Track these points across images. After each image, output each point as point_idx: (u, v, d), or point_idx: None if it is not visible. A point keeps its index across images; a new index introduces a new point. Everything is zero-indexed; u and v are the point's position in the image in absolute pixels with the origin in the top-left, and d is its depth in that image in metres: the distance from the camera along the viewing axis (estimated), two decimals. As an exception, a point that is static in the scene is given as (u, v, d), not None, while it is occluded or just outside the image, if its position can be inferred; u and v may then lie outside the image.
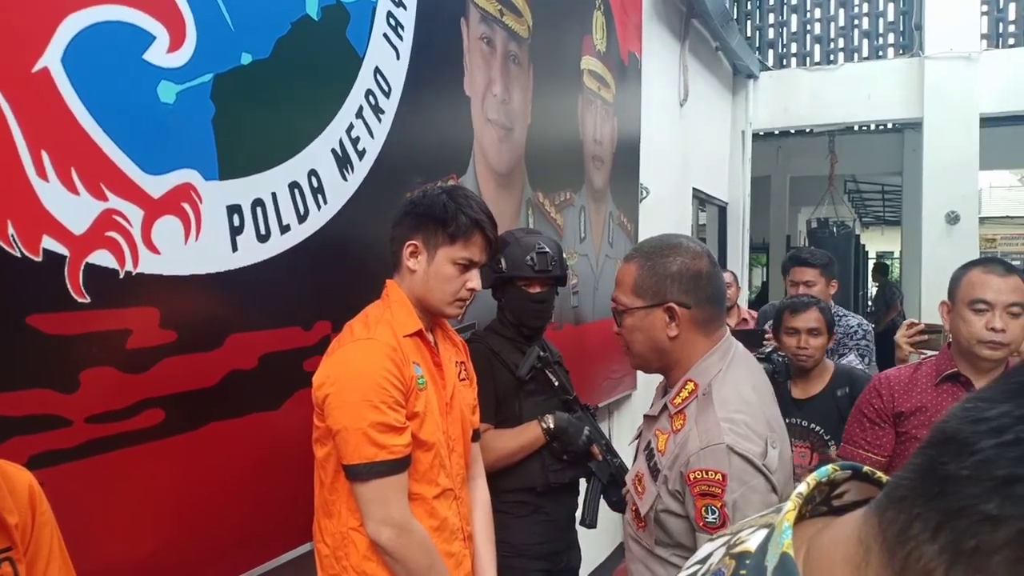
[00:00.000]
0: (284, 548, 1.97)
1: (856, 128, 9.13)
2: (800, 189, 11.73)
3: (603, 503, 2.46)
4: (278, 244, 1.92)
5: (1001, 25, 7.46)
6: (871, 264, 13.96)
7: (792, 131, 9.08)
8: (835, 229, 9.80)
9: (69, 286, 1.43)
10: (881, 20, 8.00)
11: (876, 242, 20.26)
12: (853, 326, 3.69)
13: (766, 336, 3.37)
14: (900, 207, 10.92)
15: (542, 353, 2.41)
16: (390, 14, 2.33)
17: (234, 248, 1.79)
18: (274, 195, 1.90)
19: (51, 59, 1.40)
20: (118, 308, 1.52)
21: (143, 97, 1.56)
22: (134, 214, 1.55)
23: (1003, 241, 18.94)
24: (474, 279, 1.87)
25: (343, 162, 2.14)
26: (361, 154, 2.22)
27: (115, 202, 1.51)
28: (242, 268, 1.81)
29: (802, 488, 0.56)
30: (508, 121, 3.15)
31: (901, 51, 7.80)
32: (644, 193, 5.04)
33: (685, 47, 5.98)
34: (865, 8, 8.06)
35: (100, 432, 1.49)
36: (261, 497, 1.89)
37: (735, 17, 7.68)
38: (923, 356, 2.83)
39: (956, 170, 7.22)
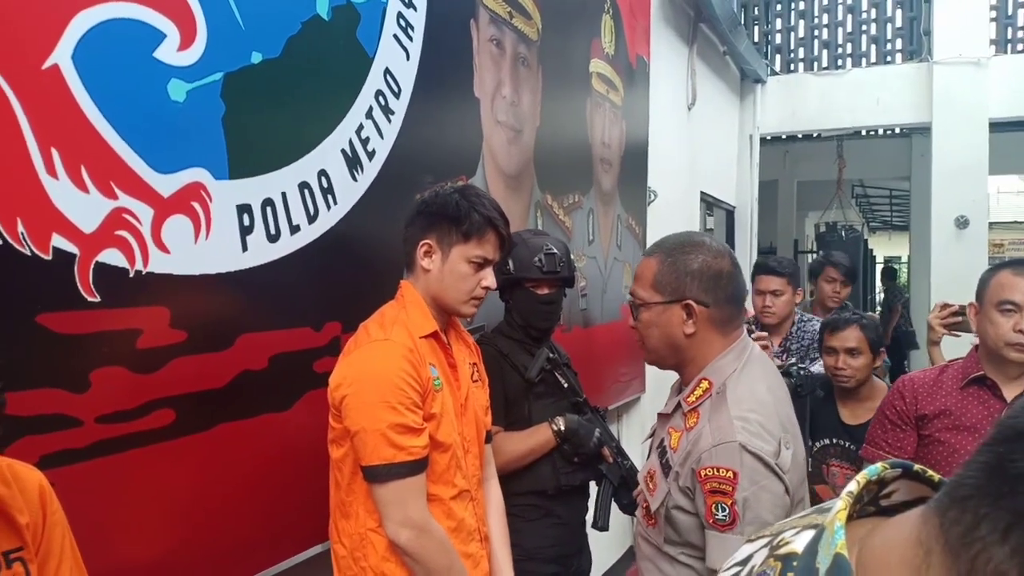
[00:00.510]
0: (296, 550, 1.96)
1: (864, 133, 9.11)
2: (808, 193, 11.69)
3: (614, 506, 2.45)
4: (288, 244, 1.91)
5: (1010, 31, 7.43)
6: (879, 268, 13.92)
7: (800, 135, 9.07)
8: (844, 233, 9.78)
9: (79, 285, 1.43)
10: (889, 25, 7.98)
11: (884, 247, 20.21)
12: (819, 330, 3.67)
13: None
14: (908, 212, 10.90)
15: (551, 355, 2.40)
16: (400, 15, 2.33)
17: (244, 248, 1.78)
18: (284, 195, 1.89)
19: (61, 56, 1.39)
20: (128, 307, 1.52)
21: (153, 95, 1.56)
22: (144, 213, 1.54)
23: (1011, 246, 18.88)
24: (488, 277, 1.87)
25: (353, 162, 2.13)
26: (371, 154, 2.21)
27: (125, 200, 1.50)
28: (252, 268, 1.80)
29: (852, 487, 0.54)
30: (517, 123, 3.14)
31: (910, 56, 7.78)
32: (652, 196, 5.03)
33: (693, 51, 5.97)
34: (873, 14, 8.04)
35: (110, 432, 1.48)
36: (272, 499, 1.88)
37: (743, 22, 7.66)
38: (956, 336, 2.80)
39: (965, 175, 7.19)
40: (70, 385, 1.42)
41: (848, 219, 10.45)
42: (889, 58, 7.96)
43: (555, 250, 2.34)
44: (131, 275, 1.52)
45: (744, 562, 0.62)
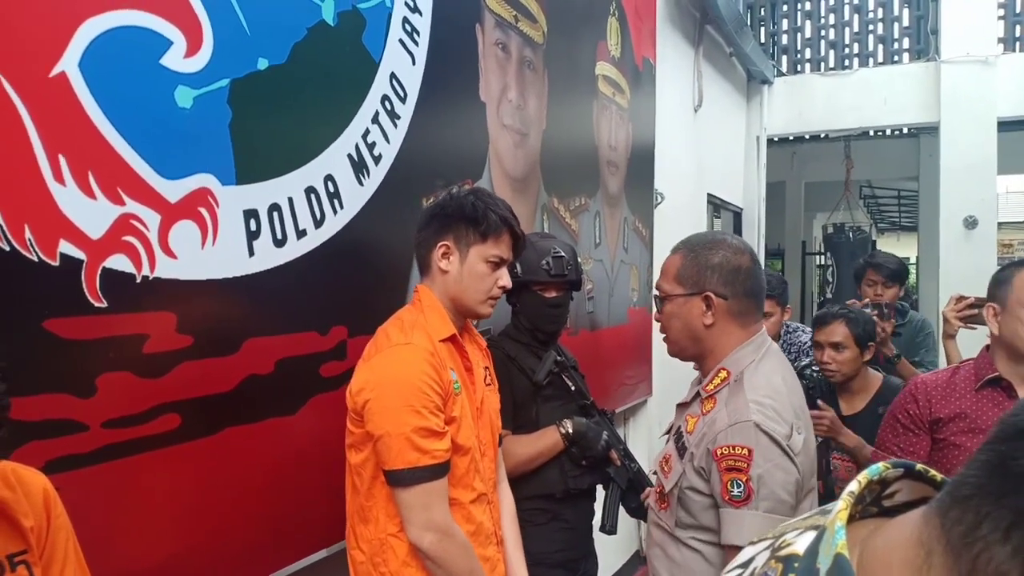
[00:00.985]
0: (301, 555, 1.96)
1: (871, 133, 9.08)
2: (815, 194, 11.67)
3: (621, 509, 2.44)
4: (295, 249, 1.91)
5: (1018, 28, 7.41)
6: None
7: (807, 136, 9.05)
8: (851, 234, 9.75)
9: (86, 290, 1.43)
10: (896, 25, 7.96)
11: (892, 247, 20.11)
12: (805, 341, 3.67)
13: None
14: (916, 212, 10.85)
15: (558, 358, 2.40)
16: (406, 20, 2.33)
17: (251, 253, 1.79)
18: (291, 200, 1.90)
19: (69, 63, 1.40)
20: (135, 313, 1.52)
21: (160, 102, 1.57)
22: (151, 218, 1.55)
23: (1020, 246, 18.81)
24: (504, 277, 1.90)
25: (359, 167, 2.14)
26: (377, 159, 2.22)
27: (132, 206, 1.51)
28: (259, 273, 1.81)
29: (853, 486, 0.54)
30: (523, 126, 3.15)
31: (917, 56, 7.76)
32: (659, 199, 5.03)
33: (699, 53, 5.97)
34: (880, 13, 8.02)
35: (117, 437, 1.49)
36: (278, 503, 1.88)
37: (749, 23, 7.65)
38: (972, 328, 2.78)
39: (973, 174, 7.16)
40: (76, 390, 1.42)
41: (856, 220, 10.43)
42: (896, 58, 7.94)
43: (563, 253, 2.34)
44: (138, 280, 1.52)
45: (746, 564, 0.62)
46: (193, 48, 1.63)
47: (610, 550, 3.98)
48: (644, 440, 4.86)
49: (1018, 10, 7.42)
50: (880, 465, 0.56)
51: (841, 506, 0.52)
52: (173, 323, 1.60)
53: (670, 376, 5.18)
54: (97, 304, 1.45)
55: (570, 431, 2.31)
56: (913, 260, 11.10)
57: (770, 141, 8.10)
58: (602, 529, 2.45)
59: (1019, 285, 2.07)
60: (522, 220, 3.07)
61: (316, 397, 1.99)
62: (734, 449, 1.54)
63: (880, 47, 7.99)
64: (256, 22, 1.79)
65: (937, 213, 7.46)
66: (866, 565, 0.50)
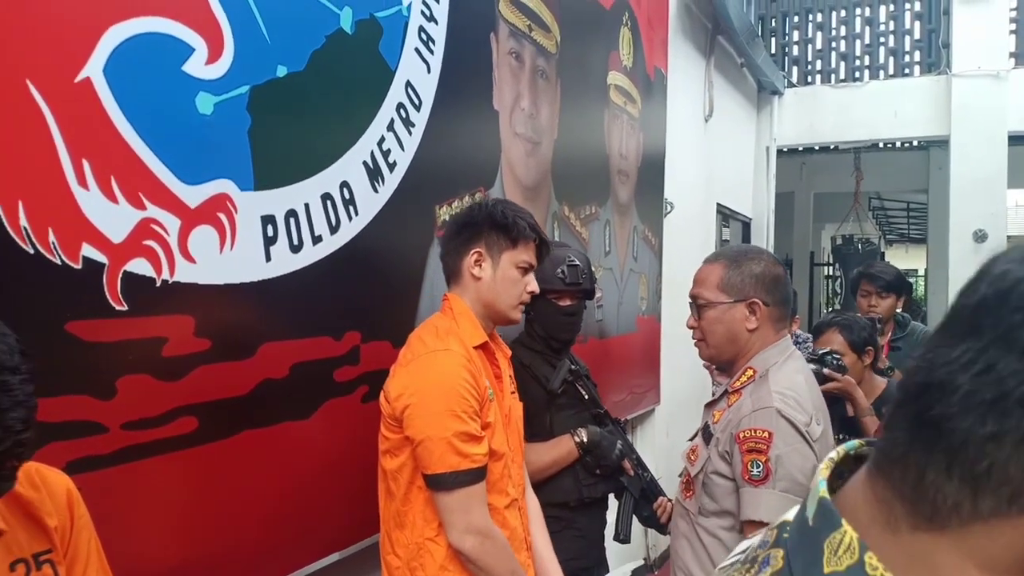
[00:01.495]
0: (312, 558, 1.97)
1: (881, 145, 9.08)
2: (824, 205, 11.66)
3: (634, 518, 2.45)
4: (310, 254, 1.93)
5: (1030, 43, 7.41)
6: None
7: (816, 148, 9.05)
8: (860, 246, 9.74)
9: (107, 294, 1.45)
10: (907, 38, 7.97)
11: (901, 260, 20.07)
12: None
13: None
14: (925, 225, 10.84)
15: (572, 366, 2.41)
16: (422, 29, 2.35)
17: (267, 258, 1.81)
18: (307, 206, 1.91)
19: (94, 69, 1.42)
20: (154, 316, 1.54)
21: (182, 108, 1.59)
22: (171, 223, 1.56)
23: (1030, 260, 18.67)
24: (533, 282, 1.95)
25: (374, 174, 2.16)
26: (392, 166, 2.23)
27: (153, 211, 1.53)
28: (275, 278, 1.83)
29: (833, 454, 0.58)
30: (535, 135, 3.16)
31: (928, 69, 7.76)
32: (669, 208, 5.04)
33: (711, 63, 5.98)
34: (891, 26, 8.03)
35: (135, 439, 1.50)
36: (291, 507, 1.89)
37: (760, 34, 7.67)
38: None
39: (984, 188, 7.15)
40: (97, 392, 1.44)
41: (865, 232, 10.41)
42: (907, 70, 7.95)
43: (577, 262, 2.36)
44: (158, 284, 1.54)
45: (744, 551, 0.64)
46: (214, 55, 1.66)
47: (621, 559, 3.98)
48: (651, 448, 4.86)
49: (1030, 25, 7.42)
50: (856, 442, 0.60)
51: (823, 467, 0.56)
52: (191, 327, 1.62)
53: (678, 385, 5.19)
54: (118, 307, 1.47)
55: (585, 440, 2.32)
56: (922, 272, 11.07)
57: (780, 152, 8.11)
58: (616, 538, 2.46)
59: None
60: (534, 228, 3.11)
61: (329, 402, 2.01)
62: (755, 432, 1.67)
63: (891, 59, 8.00)
64: (276, 29, 1.81)
65: (947, 226, 7.45)
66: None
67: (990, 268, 0.51)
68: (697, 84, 5.82)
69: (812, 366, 2.43)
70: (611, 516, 2.53)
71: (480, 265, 1.89)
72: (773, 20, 8.47)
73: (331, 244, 2.00)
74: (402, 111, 2.28)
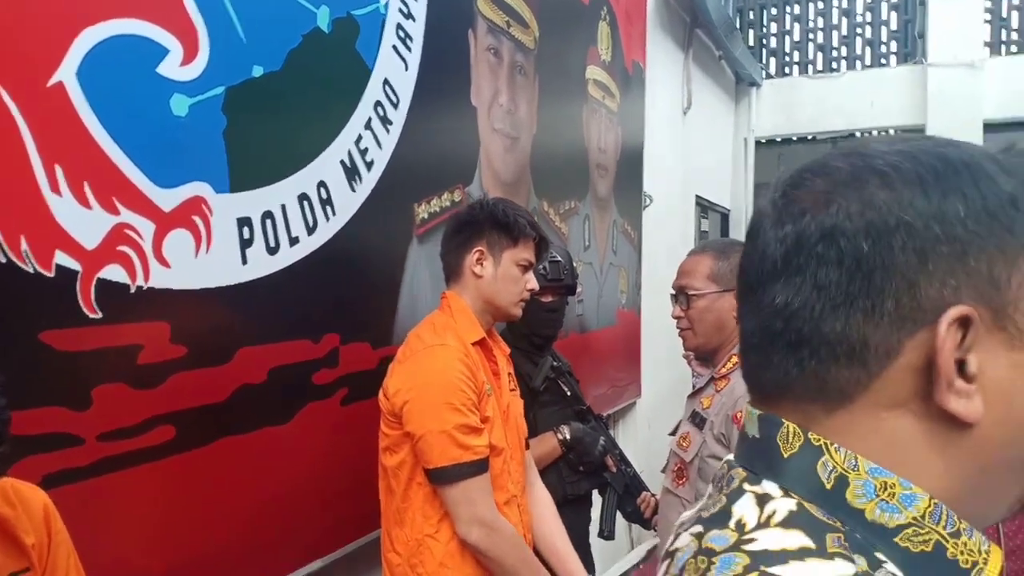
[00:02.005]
0: (295, 565, 1.95)
1: (858, 135, 9.12)
2: (801, 196, 11.71)
3: (618, 514, 2.46)
4: (287, 256, 1.91)
5: (1004, 32, 7.46)
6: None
7: (794, 138, 9.08)
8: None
9: (81, 302, 1.43)
10: (884, 28, 8.00)
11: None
12: None
13: None
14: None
15: (555, 363, 2.40)
16: (399, 26, 2.33)
17: (244, 261, 1.78)
18: (283, 207, 1.89)
19: (66, 73, 1.39)
20: (129, 323, 1.52)
21: (156, 110, 1.56)
22: (146, 228, 1.54)
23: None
24: (532, 280, 1.97)
25: (351, 173, 2.14)
26: (369, 165, 2.21)
27: (127, 216, 1.50)
28: (251, 281, 1.80)
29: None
30: (514, 130, 3.15)
31: (904, 59, 7.80)
32: (647, 201, 5.04)
33: (689, 56, 5.98)
34: (868, 17, 8.06)
35: (112, 450, 1.48)
36: (272, 514, 1.88)
37: (738, 26, 7.68)
38: None
39: (959, 177, 7.21)
40: (72, 403, 1.42)
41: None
42: (884, 61, 7.98)
43: (559, 258, 2.36)
44: (132, 290, 1.52)
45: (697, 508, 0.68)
46: (189, 56, 1.63)
47: (607, 556, 3.98)
48: (633, 443, 4.87)
49: (1004, 14, 7.47)
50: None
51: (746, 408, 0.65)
52: (167, 333, 1.60)
53: (659, 378, 5.21)
54: (92, 315, 1.44)
55: (568, 437, 2.33)
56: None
57: (757, 143, 8.13)
58: (600, 535, 2.46)
59: None
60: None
61: (309, 405, 1.99)
62: None
63: (868, 50, 8.03)
64: (252, 29, 1.78)
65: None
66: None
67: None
68: (675, 77, 5.81)
69: None
70: (595, 513, 2.53)
71: (482, 263, 1.90)
72: (751, 12, 8.47)
73: (308, 245, 1.98)
74: (380, 109, 2.25)
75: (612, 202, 4.36)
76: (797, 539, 0.51)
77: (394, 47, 2.31)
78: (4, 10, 1.31)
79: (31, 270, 1.34)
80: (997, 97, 7.14)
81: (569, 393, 2.43)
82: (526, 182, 3.29)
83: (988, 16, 7.42)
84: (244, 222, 1.78)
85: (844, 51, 8.11)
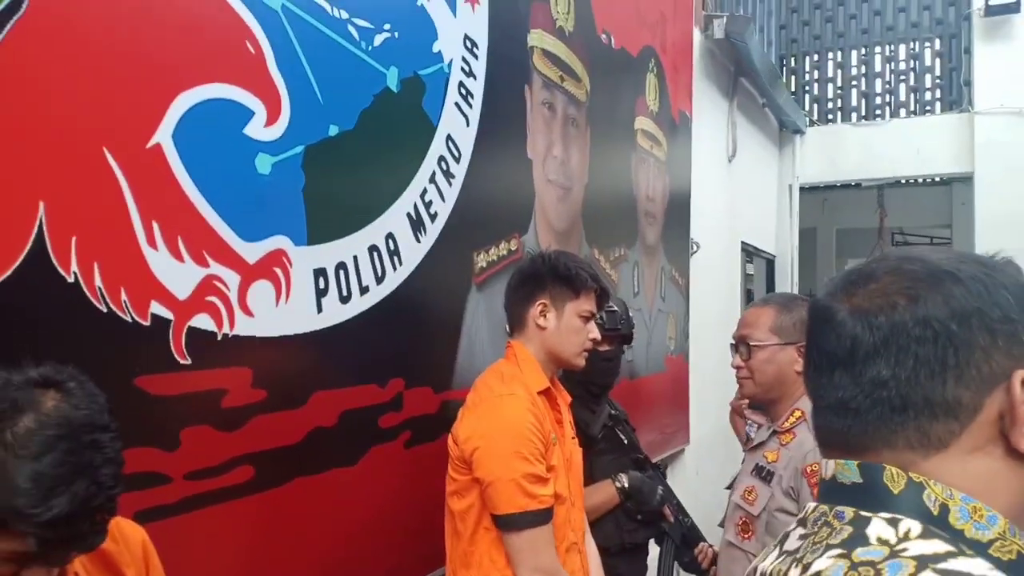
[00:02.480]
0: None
1: (903, 181, 9.10)
2: (846, 241, 11.65)
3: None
4: (358, 305, 1.99)
5: (1052, 79, 7.43)
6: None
7: (838, 184, 9.08)
8: (884, 282, 9.68)
9: (173, 348, 1.51)
10: (928, 76, 8.02)
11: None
12: None
13: None
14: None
15: (612, 411, 2.44)
16: (461, 84, 2.43)
17: (319, 309, 1.87)
18: (355, 258, 1.98)
19: (163, 135, 1.50)
20: (215, 368, 1.60)
21: (243, 169, 1.66)
22: (232, 279, 1.63)
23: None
24: (594, 330, 2.02)
25: (417, 225, 2.22)
26: (433, 217, 2.30)
27: (216, 268, 1.59)
28: (325, 329, 1.89)
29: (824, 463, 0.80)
30: (567, 181, 3.23)
31: (949, 107, 7.80)
32: (695, 248, 5.08)
33: (733, 104, 6.06)
34: (912, 64, 8.09)
35: (197, 488, 1.55)
36: (339, 553, 1.93)
37: (782, 74, 7.75)
38: None
39: (1009, 223, 7.15)
40: (162, 444, 1.50)
41: (889, 267, 10.35)
42: (928, 108, 7.99)
43: (615, 308, 2.41)
44: (219, 338, 1.60)
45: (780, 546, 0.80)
46: (272, 117, 1.73)
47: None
48: (683, 489, 4.84)
49: (1051, 61, 7.45)
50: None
51: (829, 463, 0.76)
52: (249, 378, 1.68)
53: (706, 424, 5.20)
54: (182, 361, 1.53)
55: (626, 485, 2.35)
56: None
57: (802, 189, 8.15)
58: None
59: None
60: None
61: (374, 448, 2.06)
62: None
63: (912, 97, 8.05)
64: (328, 91, 1.89)
65: (971, 262, 7.42)
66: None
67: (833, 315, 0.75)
68: (720, 125, 5.89)
69: None
70: (650, 562, 2.55)
71: (545, 316, 1.96)
72: (793, 59, 8.54)
73: (377, 294, 2.06)
74: (443, 163, 2.35)
75: (660, 249, 4.42)
76: (941, 546, 0.64)
77: (456, 104, 2.41)
78: (109, 77, 1.41)
79: (129, 319, 1.44)
80: (1046, 144, 7.10)
81: (626, 442, 2.47)
82: (578, 230, 3.36)
83: (1035, 63, 7.41)
84: (320, 273, 1.87)
85: (888, 98, 8.13)
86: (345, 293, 1.95)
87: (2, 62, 1.24)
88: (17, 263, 1.27)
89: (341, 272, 1.94)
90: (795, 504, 1.79)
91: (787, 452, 1.90)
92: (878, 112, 8.16)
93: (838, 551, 0.67)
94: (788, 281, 7.87)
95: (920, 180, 9.13)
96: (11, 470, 0.95)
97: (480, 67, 2.54)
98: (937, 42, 8.07)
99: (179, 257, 1.52)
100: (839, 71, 8.40)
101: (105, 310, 1.39)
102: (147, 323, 1.47)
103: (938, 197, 9.46)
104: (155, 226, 1.48)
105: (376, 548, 2.05)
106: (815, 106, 8.43)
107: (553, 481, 1.84)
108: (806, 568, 0.69)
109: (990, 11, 7.27)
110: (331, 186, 1.90)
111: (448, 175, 2.37)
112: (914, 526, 0.66)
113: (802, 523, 0.76)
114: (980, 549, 0.65)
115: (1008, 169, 7.14)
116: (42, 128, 1.31)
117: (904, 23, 8.11)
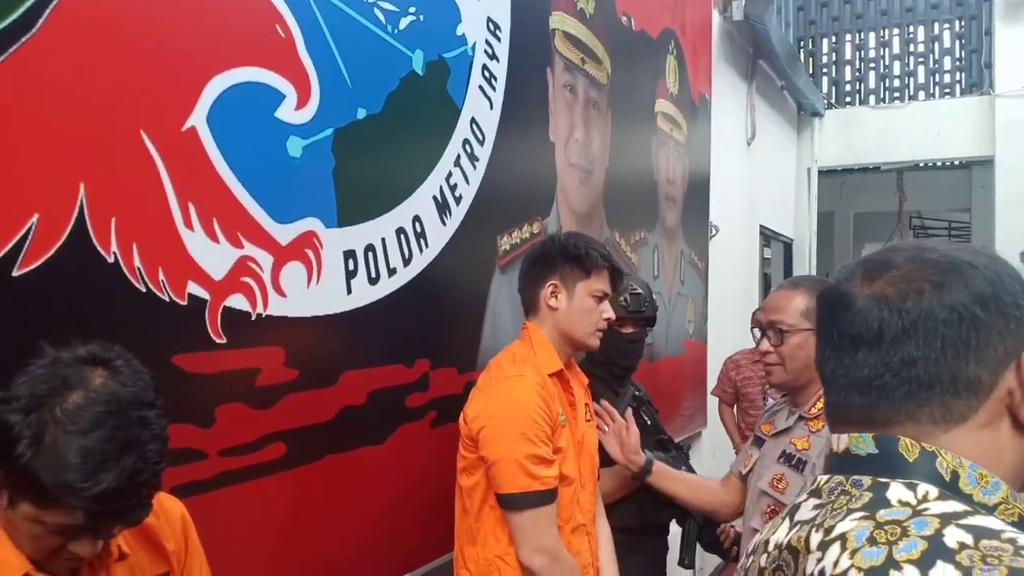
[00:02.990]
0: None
1: (922, 165, 9.05)
2: (864, 225, 11.60)
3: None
4: (386, 286, 2.02)
5: (1074, 61, 7.37)
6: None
7: (856, 168, 9.04)
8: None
9: (209, 328, 1.54)
10: (948, 58, 7.96)
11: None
12: None
13: None
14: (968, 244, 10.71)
15: (636, 392, 2.46)
16: (485, 67, 2.45)
17: (348, 291, 1.89)
18: (383, 240, 2.01)
19: (198, 118, 1.52)
20: (249, 348, 1.63)
21: (275, 151, 1.69)
22: (265, 260, 1.66)
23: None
24: (608, 309, 2.01)
25: (442, 207, 2.24)
26: (458, 199, 2.32)
27: (250, 249, 1.62)
28: (355, 309, 1.92)
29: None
30: (588, 164, 3.24)
31: (970, 89, 7.74)
32: (714, 231, 5.09)
33: (752, 87, 6.04)
34: (932, 46, 8.03)
35: (232, 464, 1.59)
36: (367, 531, 1.97)
37: (800, 56, 7.70)
38: None
39: (1030, 208, 7.12)
40: (198, 420, 1.53)
41: (907, 251, 10.30)
42: (948, 90, 7.93)
43: (639, 290, 2.43)
44: (253, 318, 1.63)
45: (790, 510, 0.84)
46: (303, 101, 1.75)
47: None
48: (699, 470, 4.87)
49: (1073, 43, 7.38)
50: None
51: (843, 437, 0.82)
52: (282, 357, 1.71)
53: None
54: (218, 340, 1.56)
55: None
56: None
57: (820, 172, 8.12)
58: (680, 564, 2.50)
59: None
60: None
61: (402, 427, 2.09)
62: None
63: (932, 80, 7.99)
64: (356, 74, 1.91)
65: (992, 245, 7.39)
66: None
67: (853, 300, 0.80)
68: (739, 108, 5.87)
69: None
70: (672, 541, 2.57)
71: (556, 296, 1.97)
72: (811, 41, 8.49)
73: (404, 276, 2.09)
74: (467, 146, 2.36)
75: (680, 232, 4.43)
76: (959, 506, 0.70)
77: (480, 87, 2.43)
78: (145, 62, 1.44)
79: (167, 299, 1.47)
80: (1068, 126, 7.05)
81: (649, 423, 2.48)
82: (599, 214, 3.37)
83: (1057, 45, 7.34)
84: (349, 255, 1.89)
85: (907, 81, 8.08)
86: (374, 275, 1.98)
87: (43, 49, 1.27)
88: (59, 243, 1.30)
89: (370, 254, 1.96)
90: None
91: (819, 439, 1.86)
92: (897, 95, 8.12)
93: (861, 513, 0.71)
94: (806, 265, 7.86)
95: (939, 163, 9.08)
96: (61, 445, 0.99)
97: (503, 50, 2.55)
98: (957, 23, 8.02)
99: (214, 238, 1.55)
100: (858, 53, 8.36)
101: (144, 290, 1.42)
102: (184, 303, 1.50)
103: (957, 180, 9.40)
104: (191, 208, 1.51)
105: (402, 525, 2.09)
106: (833, 88, 8.40)
107: (560, 463, 1.86)
108: (828, 531, 0.72)
109: (1012, -8, 7.22)
110: (360, 169, 1.93)
111: (472, 158, 2.39)
112: (931, 489, 0.72)
113: (815, 494, 0.81)
114: (987, 512, 0.71)
115: (1029, 151, 7.09)
116: (82, 112, 1.33)
117: (924, 4, 8.06)
